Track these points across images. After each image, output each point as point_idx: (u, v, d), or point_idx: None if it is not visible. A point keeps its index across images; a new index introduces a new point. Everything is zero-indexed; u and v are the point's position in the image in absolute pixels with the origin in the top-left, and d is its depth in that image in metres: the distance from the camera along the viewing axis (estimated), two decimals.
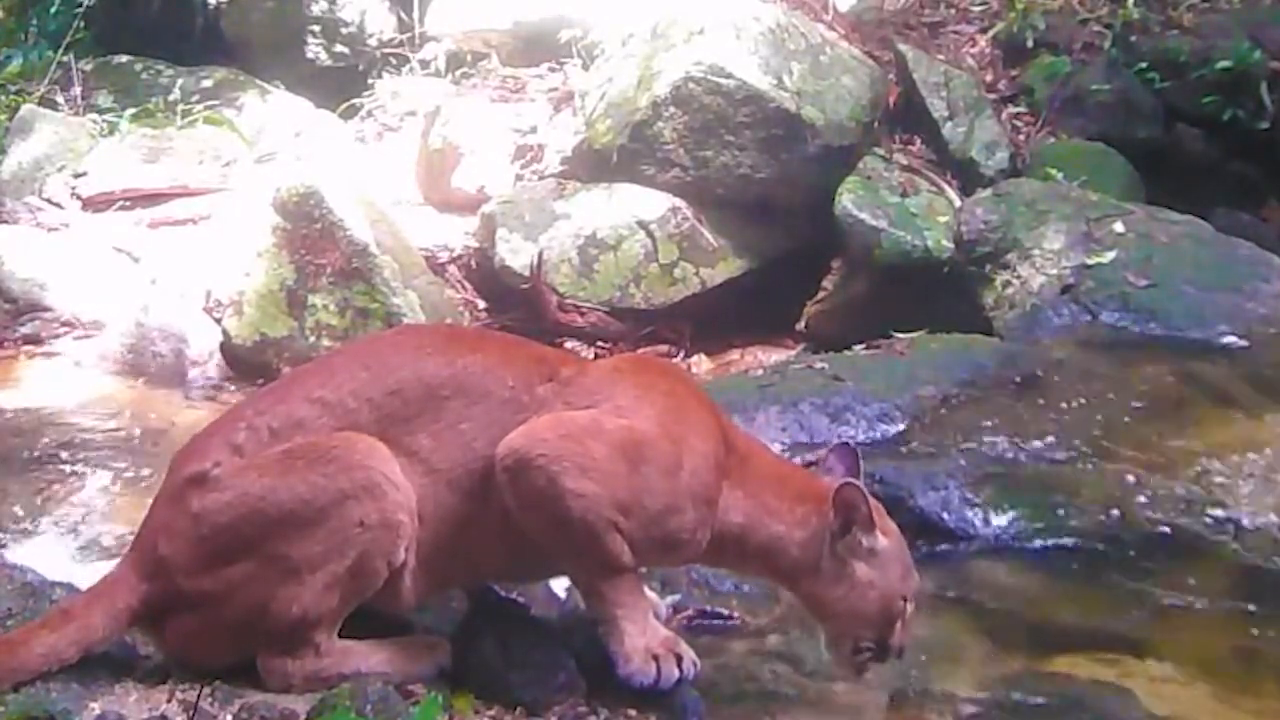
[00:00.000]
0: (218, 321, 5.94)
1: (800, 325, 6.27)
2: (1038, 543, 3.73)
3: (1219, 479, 3.89)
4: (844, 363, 4.67)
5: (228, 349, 5.87)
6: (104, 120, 7.53)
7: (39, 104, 7.66)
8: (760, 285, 6.33)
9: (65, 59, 8.07)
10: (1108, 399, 4.38)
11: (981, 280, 5.66)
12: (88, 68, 8.19)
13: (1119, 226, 5.49)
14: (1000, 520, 3.78)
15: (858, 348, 5.01)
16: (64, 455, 4.84)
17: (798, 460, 3.70)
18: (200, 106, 7.69)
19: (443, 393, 2.63)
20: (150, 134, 7.32)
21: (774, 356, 5.91)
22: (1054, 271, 5.38)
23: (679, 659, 2.66)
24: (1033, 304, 5.31)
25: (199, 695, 2.45)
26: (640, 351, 5.90)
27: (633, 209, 6.28)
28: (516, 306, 6.21)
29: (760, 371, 5.07)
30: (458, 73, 7.79)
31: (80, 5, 8.56)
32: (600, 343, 6.11)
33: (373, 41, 8.50)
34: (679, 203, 6.30)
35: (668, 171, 6.32)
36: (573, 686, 2.68)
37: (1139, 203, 6.03)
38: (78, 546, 4.14)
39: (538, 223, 6.27)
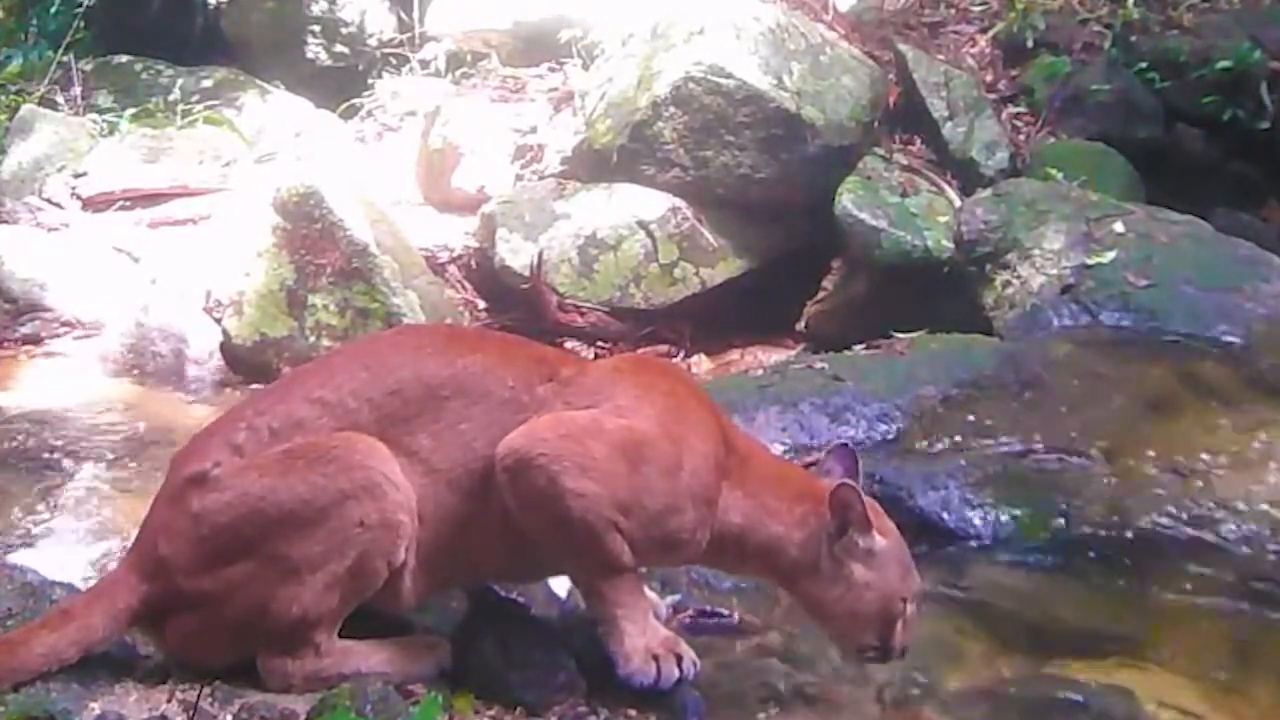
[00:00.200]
0: (218, 321, 5.93)
1: (800, 325, 6.27)
2: (1038, 542, 3.73)
3: (1219, 479, 3.89)
4: (844, 363, 4.66)
5: (228, 349, 5.87)
6: (104, 120, 7.55)
7: (39, 104, 7.68)
8: (760, 285, 6.33)
9: (65, 59, 8.09)
10: (1108, 399, 4.37)
11: (981, 280, 5.65)
12: (88, 68, 8.21)
13: (1119, 226, 5.48)
14: (1000, 520, 3.78)
15: (858, 348, 5.01)
16: (64, 455, 4.83)
17: (798, 461, 3.70)
18: (200, 106, 7.71)
19: (443, 393, 2.63)
20: (150, 134, 7.34)
21: (774, 356, 5.91)
22: (1054, 271, 5.36)
23: (679, 659, 2.66)
24: (1033, 304, 5.30)
25: (199, 695, 2.46)
26: (640, 351, 5.90)
27: (633, 209, 6.28)
28: (516, 306, 6.21)
29: (760, 371, 5.05)
30: (458, 73, 7.80)
31: (80, 5, 8.58)
32: (600, 343, 6.11)
33: (373, 41, 8.51)
34: (679, 203, 6.30)
35: (668, 171, 6.32)
36: (573, 686, 2.68)
37: (1139, 203, 6.02)
38: (78, 546, 4.13)
39: (538, 223, 6.27)
